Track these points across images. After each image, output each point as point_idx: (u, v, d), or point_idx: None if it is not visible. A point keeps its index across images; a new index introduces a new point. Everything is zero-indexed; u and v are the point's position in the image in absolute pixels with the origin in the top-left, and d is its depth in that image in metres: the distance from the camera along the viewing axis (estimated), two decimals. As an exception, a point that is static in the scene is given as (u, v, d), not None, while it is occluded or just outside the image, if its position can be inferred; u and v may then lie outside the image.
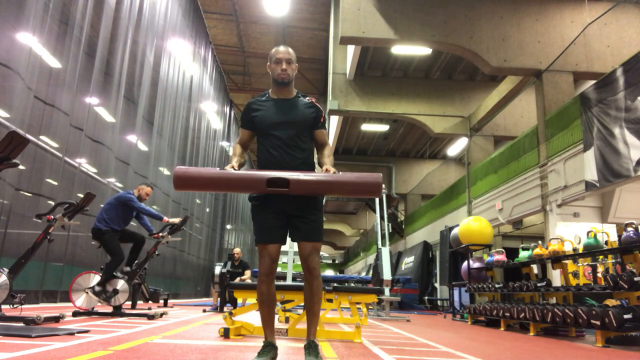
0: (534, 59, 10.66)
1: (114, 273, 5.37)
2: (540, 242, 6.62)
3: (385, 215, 10.41)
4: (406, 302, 13.64)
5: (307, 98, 2.75)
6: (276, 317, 5.66)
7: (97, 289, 5.27)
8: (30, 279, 6.58)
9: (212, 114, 16.59)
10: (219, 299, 8.14)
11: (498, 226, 12.29)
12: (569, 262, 6.66)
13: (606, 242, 5.70)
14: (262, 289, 2.54)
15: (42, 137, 6.87)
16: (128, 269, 5.55)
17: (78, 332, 3.42)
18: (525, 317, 5.85)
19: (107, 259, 5.57)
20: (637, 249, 4.62)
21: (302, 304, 2.80)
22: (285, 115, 2.65)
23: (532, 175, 10.50)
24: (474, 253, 9.32)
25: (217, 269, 8.46)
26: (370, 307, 9.55)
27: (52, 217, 4.65)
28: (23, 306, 4.63)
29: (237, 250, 9.06)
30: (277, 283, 4.03)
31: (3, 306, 4.24)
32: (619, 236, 4.86)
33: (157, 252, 5.96)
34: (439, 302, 15.63)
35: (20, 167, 5.97)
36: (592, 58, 10.69)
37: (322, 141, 2.79)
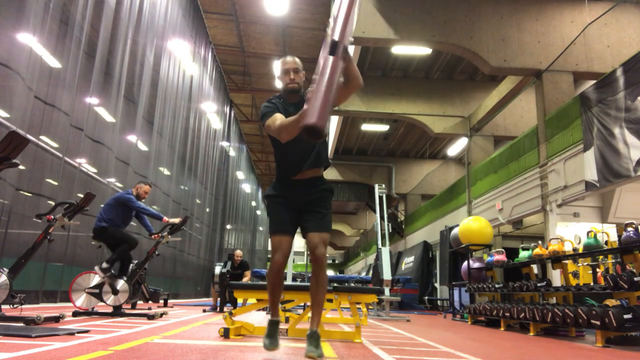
0: (534, 59, 10.66)
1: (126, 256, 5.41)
2: (540, 242, 6.62)
3: (385, 215, 10.42)
4: (406, 302, 13.64)
5: None
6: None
7: (104, 265, 5.29)
8: (30, 279, 6.58)
9: (212, 114, 16.58)
10: (218, 299, 8.14)
11: (498, 226, 12.29)
12: (569, 262, 6.66)
13: (606, 242, 5.71)
14: (274, 281, 2.87)
15: (42, 137, 6.87)
16: (106, 265, 5.38)
17: (78, 332, 3.42)
18: (525, 317, 5.85)
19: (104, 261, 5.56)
20: (637, 249, 4.62)
21: (302, 304, 2.87)
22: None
23: (532, 175, 10.50)
24: (474, 253, 9.32)
25: (217, 269, 8.46)
26: (370, 307, 9.55)
27: (52, 217, 4.65)
28: (23, 306, 4.63)
29: (238, 252, 9.07)
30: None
31: (3, 306, 4.24)
32: (619, 236, 4.86)
33: (157, 252, 5.95)
34: (439, 302, 15.63)
35: (21, 167, 5.97)
36: (592, 58, 10.69)
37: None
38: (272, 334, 2.81)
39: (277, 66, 2.91)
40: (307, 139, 2.19)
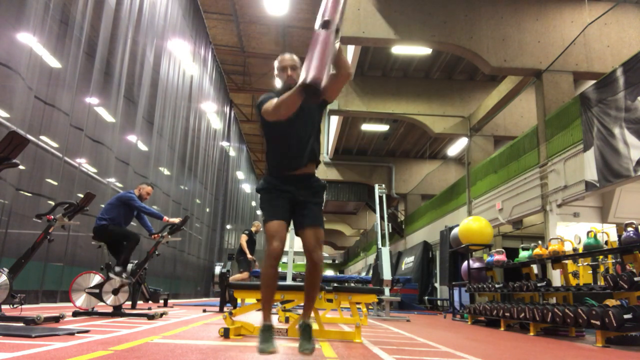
0: (534, 59, 10.66)
1: (115, 272, 5.37)
2: (540, 242, 6.62)
3: (385, 215, 10.41)
4: (406, 302, 13.63)
5: None
6: (276, 317, 5.66)
7: (117, 269, 5.30)
8: (30, 279, 6.58)
9: (212, 114, 16.59)
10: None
11: (498, 226, 12.28)
12: (569, 262, 6.66)
13: (606, 242, 5.70)
14: (269, 272, 2.68)
15: (42, 137, 6.87)
16: (119, 269, 5.42)
17: (78, 332, 3.42)
18: (525, 317, 5.85)
19: (107, 259, 5.57)
20: (637, 249, 4.62)
21: (302, 304, 2.82)
22: (299, 110, 2.68)
23: (532, 175, 10.50)
24: (474, 253, 9.32)
25: (217, 269, 8.46)
26: (370, 307, 9.55)
27: (52, 217, 4.65)
28: (23, 306, 4.63)
29: (257, 223, 9.64)
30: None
31: (3, 306, 4.24)
32: (619, 236, 4.86)
33: (157, 252, 5.96)
34: (439, 302, 15.63)
35: (21, 167, 5.97)
36: (592, 58, 10.69)
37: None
38: (268, 339, 2.52)
39: (275, 63, 2.85)
40: (307, 102, 2.21)
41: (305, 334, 2.64)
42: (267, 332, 2.55)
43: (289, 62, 2.82)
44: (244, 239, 9.39)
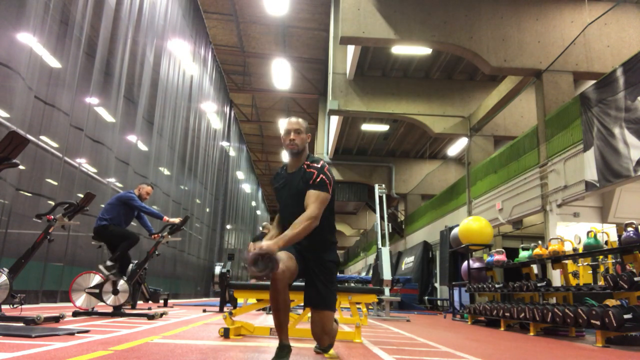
0: (534, 59, 10.66)
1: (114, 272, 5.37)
2: (540, 242, 6.62)
3: (385, 215, 10.41)
4: (406, 302, 13.63)
5: (315, 164, 2.69)
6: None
7: (109, 263, 5.31)
8: (30, 279, 6.58)
9: (212, 114, 16.59)
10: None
11: (498, 226, 12.28)
12: (569, 262, 6.66)
13: (606, 242, 5.70)
14: (277, 298, 2.48)
15: (42, 137, 6.87)
16: (110, 263, 5.41)
17: (78, 332, 3.42)
18: (525, 317, 5.85)
19: (107, 259, 5.56)
20: (637, 249, 4.62)
21: (302, 304, 2.83)
22: (291, 191, 2.71)
23: (532, 175, 10.50)
24: (474, 253, 9.32)
25: (217, 269, 8.46)
26: (370, 307, 9.55)
27: (52, 217, 4.65)
28: (23, 306, 4.63)
29: (266, 224, 9.64)
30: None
31: (3, 306, 4.24)
32: (619, 236, 4.86)
33: (157, 252, 5.96)
34: (439, 302, 15.63)
35: (21, 167, 5.98)
36: (592, 58, 10.69)
37: (306, 202, 2.57)
38: (283, 357, 2.45)
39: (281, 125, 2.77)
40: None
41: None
42: (283, 350, 2.48)
43: (293, 125, 2.70)
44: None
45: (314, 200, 2.54)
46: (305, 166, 2.70)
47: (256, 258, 2.19)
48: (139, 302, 7.99)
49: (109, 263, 5.33)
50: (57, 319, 4.22)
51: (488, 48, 10.67)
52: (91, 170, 8.43)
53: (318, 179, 2.61)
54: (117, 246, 5.48)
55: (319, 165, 2.66)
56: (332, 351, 3.03)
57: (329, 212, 2.72)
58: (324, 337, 2.66)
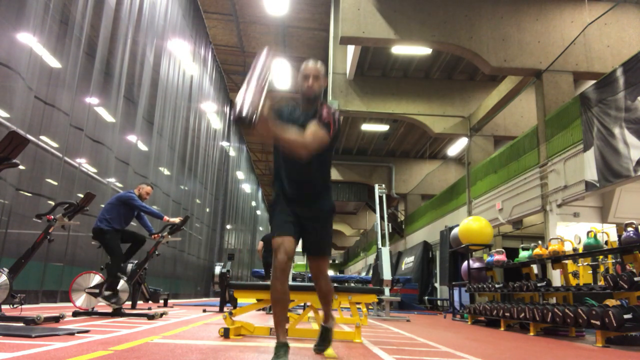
0: (534, 59, 10.66)
1: (117, 274, 5.35)
2: (540, 242, 6.62)
3: (385, 215, 10.41)
4: (406, 302, 13.63)
5: (328, 107, 2.71)
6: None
7: (106, 294, 5.20)
8: (30, 279, 6.58)
9: (212, 114, 16.59)
10: None
11: (498, 226, 12.28)
12: (569, 262, 6.66)
13: (606, 242, 5.70)
14: (276, 286, 2.49)
15: (42, 137, 6.87)
16: (107, 293, 5.37)
17: (78, 332, 3.42)
18: (525, 317, 5.85)
19: (107, 259, 5.56)
20: (637, 249, 4.62)
21: (302, 304, 2.84)
22: (299, 123, 2.64)
23: (532, 175, 10.50)
24: (474, 253, 9.32)
25: (217, 269, 8.46)
26: (370, 307, 9.54)
27: (52, 217, 4.65)
28: (23, 306, 4.63)
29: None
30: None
31: (3, 306, 4.24)
32: (619, 236, 4.86)
33: (157, 252, 5.95)
34: (439, 302, 15.63)
35: (21, 167, 5.97)
36: (592, 58, 10.69)
37: (305, 131, 2.56)
38: (281, 356, 2.43)
39: (300, 70, 2.70)
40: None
41: (322, 335, 2.92)
42: (281, 349, 2.46)
43: (312, 70, 2.65)
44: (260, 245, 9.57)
45: (312, 132, 2.51)
46: (320, 105, 2.70)
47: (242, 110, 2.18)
48: (139, 302, 7.99)
49: (106, 293, 5.24)
50: (57, 319, 4.22)
51: (488, 48, 10.68)
52: (91, 170, 8.43)
53: (325, 120, 2.59)
54: (109, 251, 5.40)
55: (332, 109, 2.68)
56: (331, 351, 3.03)
57: (320, 164, 2.70)
58: (320, 279, 2.79)
